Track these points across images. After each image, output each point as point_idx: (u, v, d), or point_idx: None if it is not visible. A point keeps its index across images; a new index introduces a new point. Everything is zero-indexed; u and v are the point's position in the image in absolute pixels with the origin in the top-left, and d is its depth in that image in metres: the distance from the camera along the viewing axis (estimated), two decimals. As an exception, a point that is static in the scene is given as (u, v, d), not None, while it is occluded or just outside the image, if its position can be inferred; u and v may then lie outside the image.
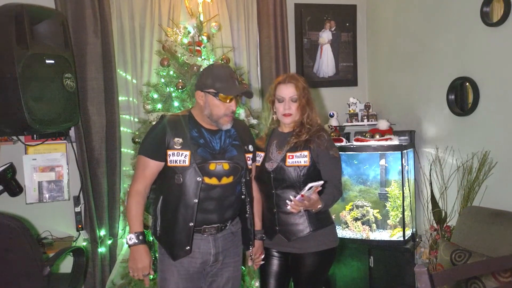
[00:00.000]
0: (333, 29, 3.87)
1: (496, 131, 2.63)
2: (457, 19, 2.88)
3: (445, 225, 2.84)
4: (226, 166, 1.87)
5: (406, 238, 3.04)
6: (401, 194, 3.03)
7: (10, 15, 2.46)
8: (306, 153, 2.00)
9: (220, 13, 3.39)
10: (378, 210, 3.15)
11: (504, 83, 2.56)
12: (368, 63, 4.00)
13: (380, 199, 3.17)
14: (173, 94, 2.73)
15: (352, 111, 3.61)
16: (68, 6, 3.02)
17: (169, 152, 1.81)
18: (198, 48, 2.79)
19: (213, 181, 1.85)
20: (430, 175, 3.04)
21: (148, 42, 3.26)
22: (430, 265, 2.75)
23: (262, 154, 2.10)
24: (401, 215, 3.05)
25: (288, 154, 2.02)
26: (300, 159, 2.00)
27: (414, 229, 3.22)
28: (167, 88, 2.76)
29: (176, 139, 1.82)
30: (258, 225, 2.10)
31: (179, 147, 1.80)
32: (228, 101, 1.84)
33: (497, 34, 2.58)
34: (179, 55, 2.77)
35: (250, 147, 2.01)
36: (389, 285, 3.01)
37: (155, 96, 2.78)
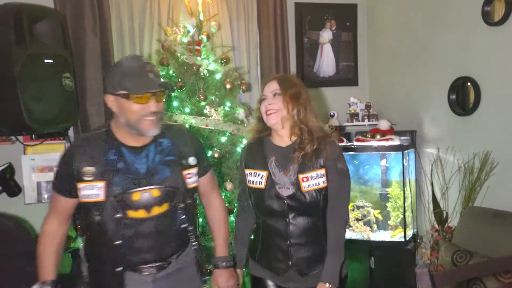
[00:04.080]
0: (333, 28, 3.85)
1: (497, 131, 2.62)
2: (458, 18, 2.86)
3: (446, 225, 2.82)
4: (156, 192, 1.52)
5: (407, 238, 3.02)
6: (402, 195, 3.02)
7: (9, 15, 2.44)
8: (323, 171, 1.67)
9: (220, 12, 3.38)
10: (379, 211, 3.14)
11: (506, 83, 2.54)
12: (368, 63, 3.98)
13: (381, 200, 3.15)
14: (173, 94, 2.72)
15: (352, 111, 3.60)
16: (67, 6, 3.01)
17: (80, 185, 1.47)
18: (197, 47, 2.78)
19: (141, 213, 1.51)
20: (431, 175, 3.02)
21: (147, 42, 3.24)
22: (431, 266, 2.74)
23: (264, 173, 1.71)
24: (402, 216, 3.04)
25: (302, 176, 1.67)
26: (318, 180, 1.67)
27: (415, 230, 3.20)
28: (167, 87, 2.75)
29: (86, 168, 1.48)
30: (219, 251, 1.78)
31: (91, 178, 1.46)
32: (143, 101, 1.47)
33: (498, 34, 2.57)
34: (179, 54, 2.76)
35: (192, 160, 1.62)
36: (390, 286, 2.99)
37: (155, 95, 2.76)
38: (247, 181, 1.76)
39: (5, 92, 2.44)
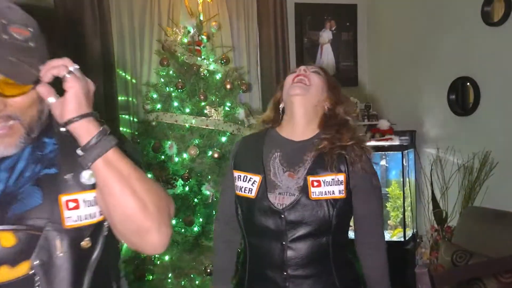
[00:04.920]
0: (333, 28, 3.86)
1: (497, 131, 2.62)
2: (458, 18, 2.87)
3: (446, 225, 2.83)
4: (8, 239, 0.80)
5: (406, 238, 3.02)
6: (402, 194, 3.02)
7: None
8: (341, 178, 1.24)
9: (220, 13, 3.38)
10: (378, 211, 3.14)
11: (505, 83, 2.54)
12: (368, 63, 3.98)
13: (381, 200, 3.16)
14: (173, 94, 2.73)
15: (352, 111, 3.60)
16: (67, 7, 3.02)
17: None
18: (198, 47, 2.78)
19: None
20: (431, 175, 3.03)
21: (147, 42, 3.26)
22: (431, 266, 2.74)
23: (257, 178, 1.26)
24: (401, 216, 3.04)
25: (312, 178, 1.23)
26: (333, 188, 1.23)
27: (414, 230, 3.21)
28: (167, 88, 2.75)
29: None
30: None
31: None
32: None
33: (498, 34, 2.57)
34: (179, 54, 2.76)
35: (87, 177, 0.84)
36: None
37: (155, 96, 2.77)
38: (235, 187, 1.31)
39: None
